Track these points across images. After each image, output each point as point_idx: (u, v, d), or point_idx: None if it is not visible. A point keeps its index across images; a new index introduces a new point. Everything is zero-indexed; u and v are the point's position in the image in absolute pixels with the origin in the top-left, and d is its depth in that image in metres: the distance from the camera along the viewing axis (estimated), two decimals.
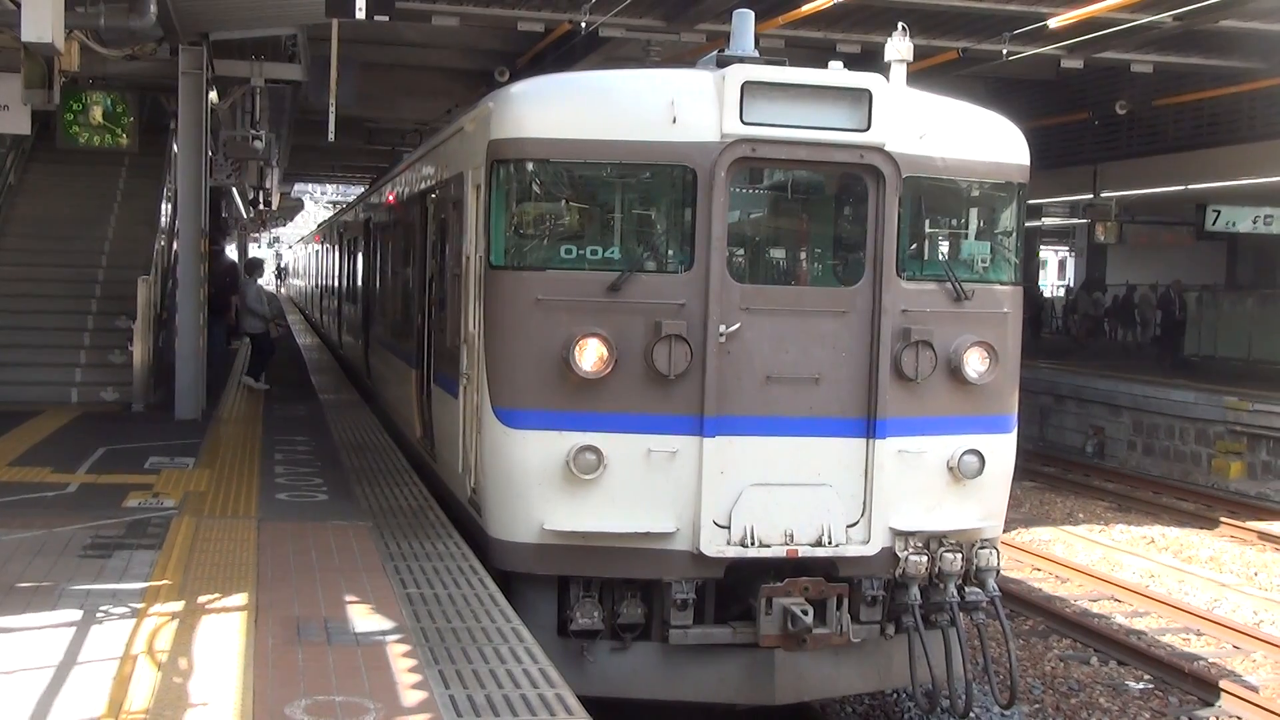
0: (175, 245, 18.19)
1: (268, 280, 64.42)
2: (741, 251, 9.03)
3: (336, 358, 26.25)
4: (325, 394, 19.53)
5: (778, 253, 9.62)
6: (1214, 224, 27.50)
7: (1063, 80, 25.03)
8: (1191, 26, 18.91)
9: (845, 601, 8.57)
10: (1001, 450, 9.04)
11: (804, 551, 8.49)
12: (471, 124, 9.84)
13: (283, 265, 71.84)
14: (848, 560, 8.62)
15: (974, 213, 9.40)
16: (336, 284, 26.78)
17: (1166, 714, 10.93)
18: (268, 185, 30.02)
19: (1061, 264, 59.18)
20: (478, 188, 9.16)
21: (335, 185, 56.66)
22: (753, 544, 8.41)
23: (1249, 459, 21.66)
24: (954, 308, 8.80)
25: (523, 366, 8.48)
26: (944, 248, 9.38)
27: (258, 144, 19.45)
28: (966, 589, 8.90)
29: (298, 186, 56.24)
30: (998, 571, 8.98)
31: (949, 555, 8.73)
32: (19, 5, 9.82)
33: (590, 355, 8.26)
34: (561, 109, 8.62)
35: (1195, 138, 26.79)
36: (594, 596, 8.51)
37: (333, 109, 17.42)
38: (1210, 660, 12.27)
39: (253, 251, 53.86)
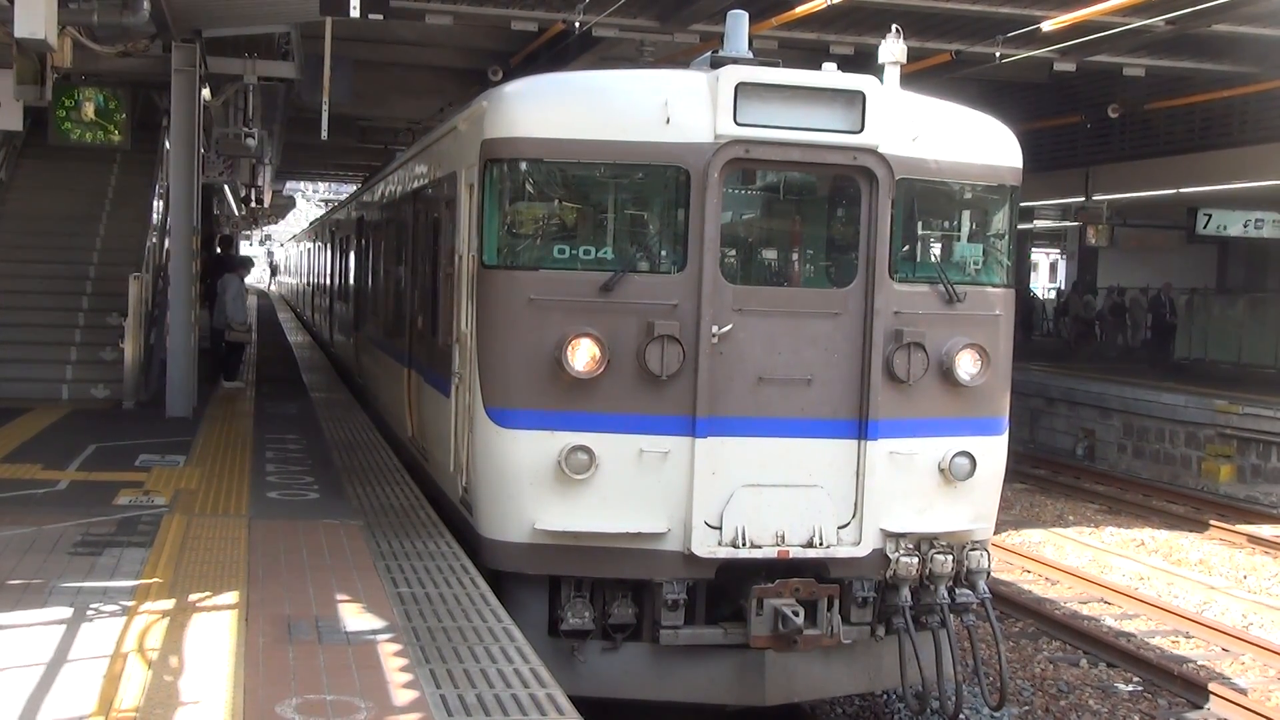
0: (167, 242, 18.16)
1: (260, 278, 64.50)
2: (734, 252, 9.04)
3: (328, 356, 26.22)
4: (316, 392, 19.50)
5: (770, 254, 9.62)
6: (1205, 227, 27.60)
7: (1055, 83, 25.09)
8: (1184, 30, 18.97)
9: (836, 603, 8.58)
10: (993, 452, 9.06)
11: (795, 552, 8.49)
12: (465, 123, 9.84)
13: (274, 263, 71.83)
14: (839, 561, 8.63)
15: (966, 215, 9.42)
16: (328, 282, 26.76)
17: (1156, 716, 10.95)
18: (260, 183, 29.98)
19: (1053, 266, 59.29)
20: (471, 187, 9.16)
21: (327, 183, 56.61)
22: (744, 545, 8.42)
23: (1239, 462, 21.72)
24: (946, 310, 8.81)
25: (515, 366, 8.48)
26: (936, 250, 9.39)
27: (250, 141, 19.41)
28: (957, 591, 8.91)
29: (290, 184, 56.20)
30: (988, 573, 8.99)
31: (940, 557, 8.74)
32: (12, 1, 9.80)
33: (582, 355, 8.27)
34: (555, 109, 8.62)
35: (1187, 141, 26.86)
36: (585, 596, 8.52)
37: (326, 107, 17.41)
38: (1199, 663, 12.30)
39: (244, 250, 53.72)
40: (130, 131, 18.22)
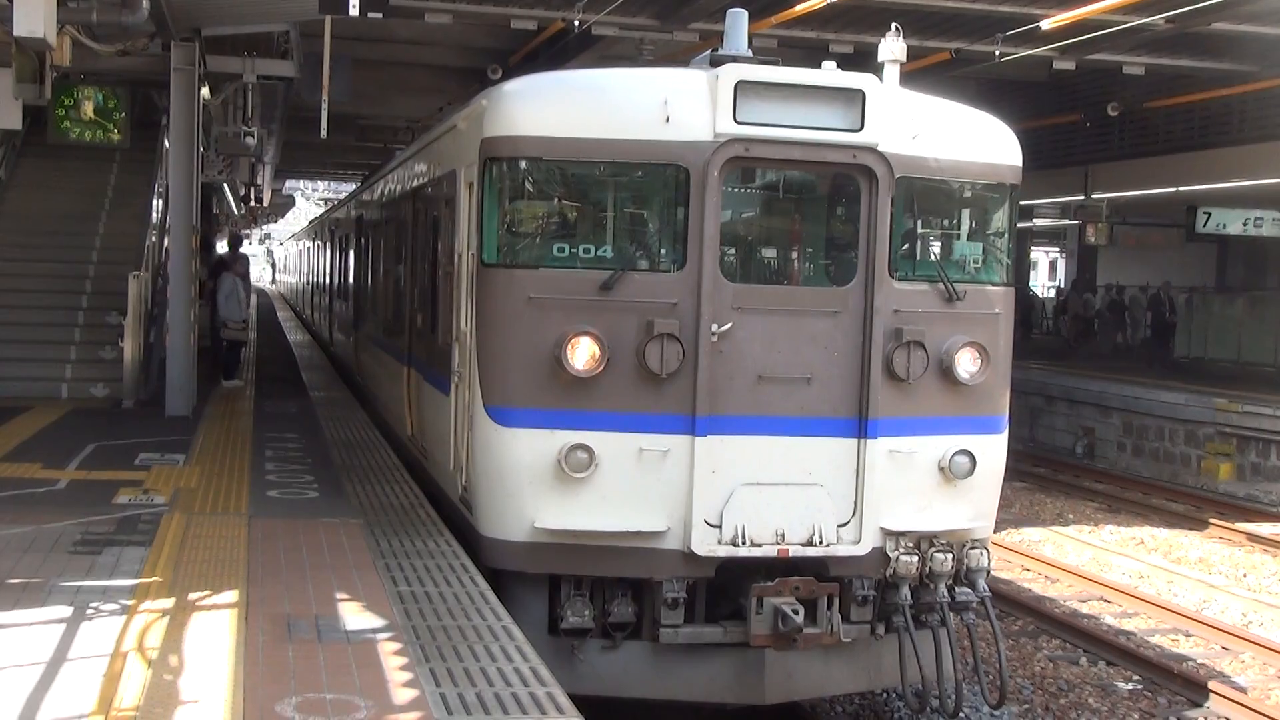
0: (166, 241, 18.16)
1: (259, 276, 64.42)
2: (734, 251, 9.03)
3: (328, 355, 26.23)
4: (316, 391, 19.50)
5: (770, 252, 9.62)
6: (1204, 226, 27.56)
7: (1055, 82, 25.09)
8: (1183, 29, 18.96)
9: (836, 601, 8.59)
10: (992, 451, 9.05)
11: (795, 551, 8.49)
12: (464, 121, 9.84)
13: (273, 262, 71.89)
14: (839, 560, 8.62)
15: (966, 213, 9.42)
16: (328, 281, 26.76)
17: (1155, 714, 10.96)
18: (259, 182, 30.01)
19: (1052, 265, 59.26)
20: (470, 185, 9.16)
21: (327, 182, 56.61)
22: (744, 543, 8.41)
23: (1238, 460, 21.72)
24: (946, 308, 8.81)
25: (515, 365, 8.48)
26: (936, 248, 9.39)
27: (249, 140, 19.42)
28: (957, 589, 8.90)
29: (289, 183, 56.20)
30: (988, 572, 8.99)
31: (939, 555, 8.74)
32: (11, 0, 9.81)
33: (582, 354, 8.26)
34: (555, 107, 8.62)
35: (1186, 140, 26.85)
36: (585, 595, 8.51)
37: (325, 105, 17.41)
38: (1199, 661, 12.31)
39: (242, 248, 53.63)
40: (129, 130, 18.24)
